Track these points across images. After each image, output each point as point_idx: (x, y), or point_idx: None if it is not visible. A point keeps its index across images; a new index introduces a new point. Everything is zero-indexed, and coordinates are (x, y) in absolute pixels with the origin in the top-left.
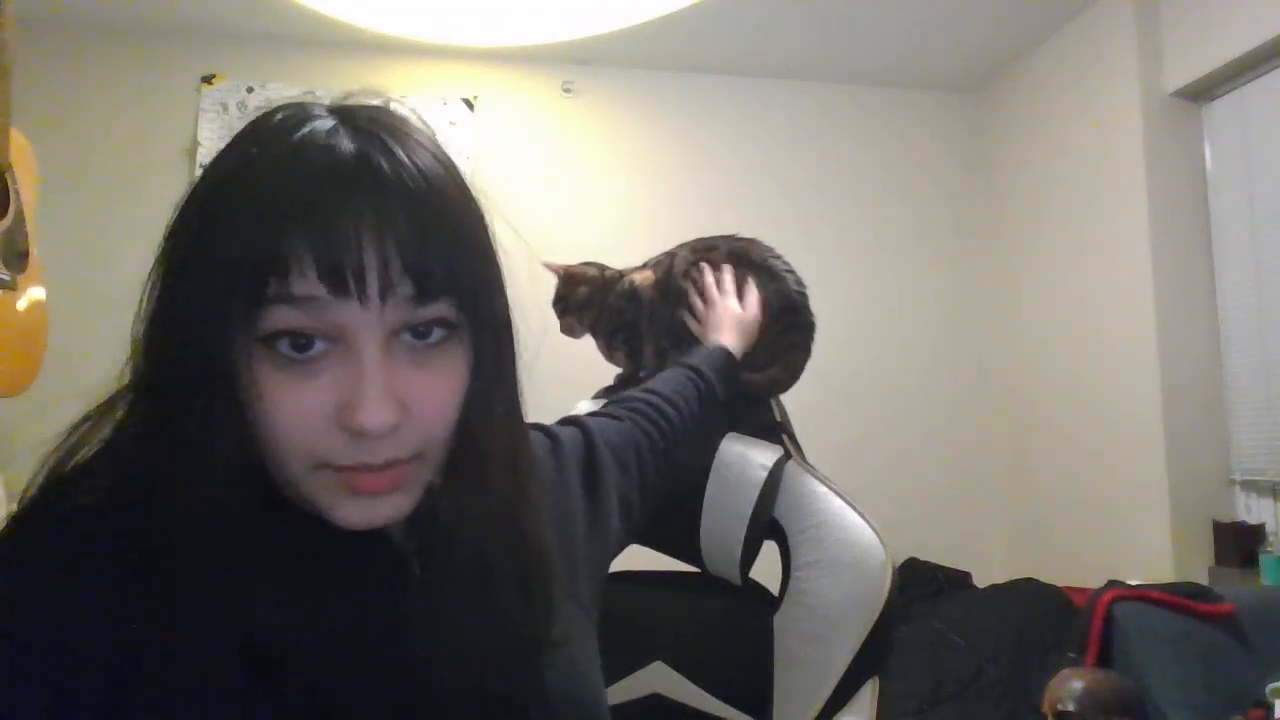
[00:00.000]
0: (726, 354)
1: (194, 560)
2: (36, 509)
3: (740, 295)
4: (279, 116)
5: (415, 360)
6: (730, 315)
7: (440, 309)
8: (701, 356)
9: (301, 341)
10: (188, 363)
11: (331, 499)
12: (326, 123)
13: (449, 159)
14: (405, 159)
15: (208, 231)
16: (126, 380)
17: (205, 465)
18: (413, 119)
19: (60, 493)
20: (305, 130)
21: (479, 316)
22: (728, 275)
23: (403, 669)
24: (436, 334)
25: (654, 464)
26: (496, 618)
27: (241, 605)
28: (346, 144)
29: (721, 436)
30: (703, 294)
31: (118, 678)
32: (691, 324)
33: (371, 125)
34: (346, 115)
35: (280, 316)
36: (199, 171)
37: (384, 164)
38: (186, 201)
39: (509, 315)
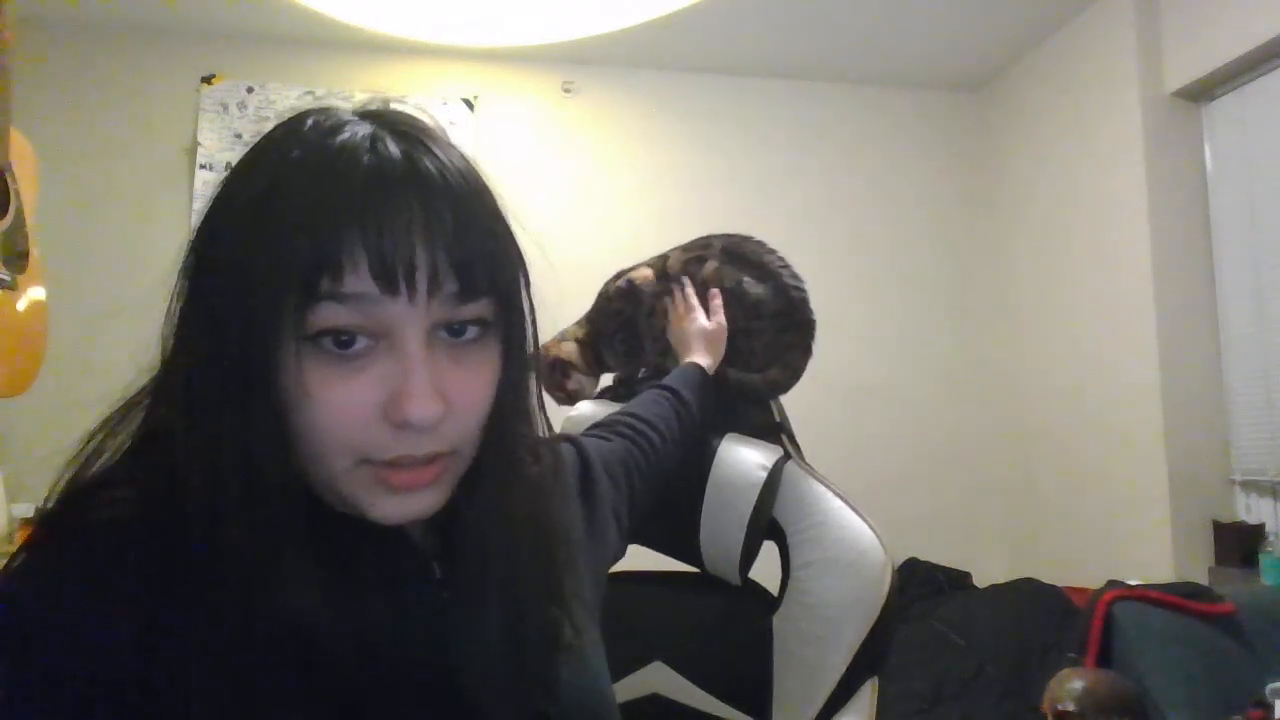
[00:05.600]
0: (701, 372)
1: (234, 563)
2: (60, 522)
3: (706, 308)
4: (310, 121)
5: (452, 356)
6: (696, 329)
7: (480, 308)
8: (678, 378)
9: (344, 338)
10: (232, 363)
11: (371, 495)
12: (364, 127)
13: (475, 164)
14: (448, 162)
15: (257, 233)
16: (142, 385)
17: (249, 466)
18: (436, 125)
19: (83, 504)
20: (345, 135)
21: (512, 315)
22: (690, 290)
23: (427, 669)
24: (472, 331)
25: (640, 483)
26: (517, 618)
27: (282, 606)
28: (392, 147)
29: (720, 436)
30: (668, 313)
31: (153, 690)
32: (672, 342)
33: (412, 130)
34: (383, 120)
35: (329, 314)
36: (199, 171)
37: (430, 166)
38: (222, 205)
39: (534, 313)
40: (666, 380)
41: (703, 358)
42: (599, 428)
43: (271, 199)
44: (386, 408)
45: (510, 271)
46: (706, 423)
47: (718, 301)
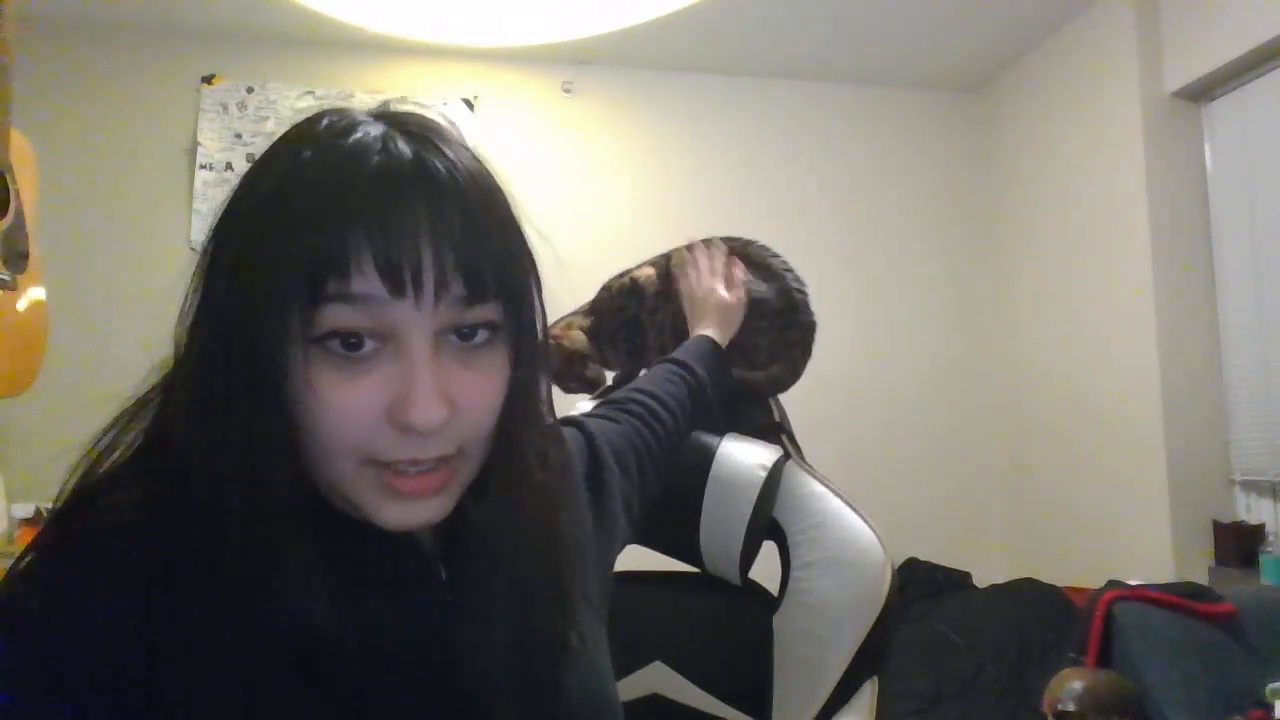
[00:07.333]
0: (712, 344)
1: (239, 563)
2: (68, 523)
3: (728, 283)
4: (325, 121)
5: (461, 359)
6: (715, 301)
7: (487, 311)
8: (688, 351)
9: (352, 340)
10: (240, 363)
11: (376, 499)
12: (377, 128)
13: (487, 165)
14: (458, 164)
15: (266, 232)
16: (154, 382)
17: (255, 466)
18: (450, 125)
19: (92, 504)
20: (358, 135)
21: (521, 319)
22: (718, 260)
23: (431, 671)
24: (481, 335)
25: (651, 466)
26: (523, 620)
27: (287, 608)
28: (403, 148)
29: (720, 436)
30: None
31: (159, 691)
32: (685, 305)
33: (423, 130)
34: (395, 121)
35: (336, 315)
36: (199, 171)
37: (440, 168)
38: (235, 205)
39: (545, 316)
40: (677, 353)
41: (714, 331)
42: (608, 405)
43: (281, 199)
44: (391, 410)
45: (520, 274)
46: (717, 397)
47: (739, 271)
